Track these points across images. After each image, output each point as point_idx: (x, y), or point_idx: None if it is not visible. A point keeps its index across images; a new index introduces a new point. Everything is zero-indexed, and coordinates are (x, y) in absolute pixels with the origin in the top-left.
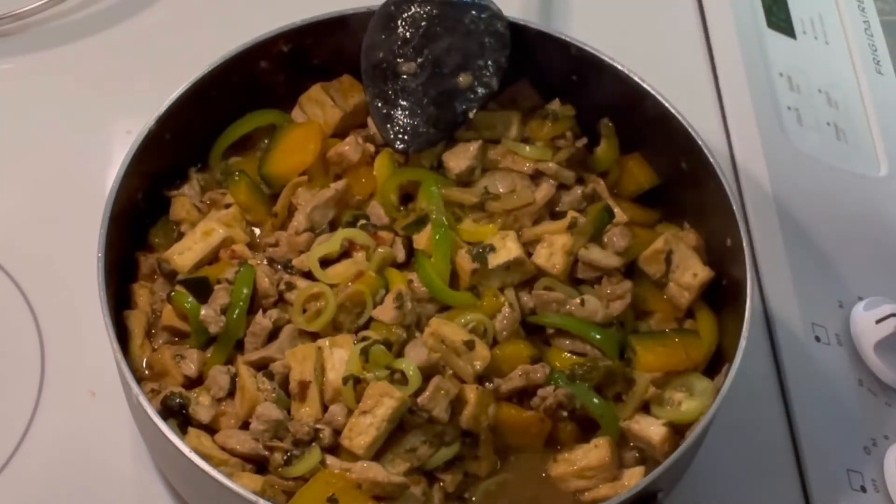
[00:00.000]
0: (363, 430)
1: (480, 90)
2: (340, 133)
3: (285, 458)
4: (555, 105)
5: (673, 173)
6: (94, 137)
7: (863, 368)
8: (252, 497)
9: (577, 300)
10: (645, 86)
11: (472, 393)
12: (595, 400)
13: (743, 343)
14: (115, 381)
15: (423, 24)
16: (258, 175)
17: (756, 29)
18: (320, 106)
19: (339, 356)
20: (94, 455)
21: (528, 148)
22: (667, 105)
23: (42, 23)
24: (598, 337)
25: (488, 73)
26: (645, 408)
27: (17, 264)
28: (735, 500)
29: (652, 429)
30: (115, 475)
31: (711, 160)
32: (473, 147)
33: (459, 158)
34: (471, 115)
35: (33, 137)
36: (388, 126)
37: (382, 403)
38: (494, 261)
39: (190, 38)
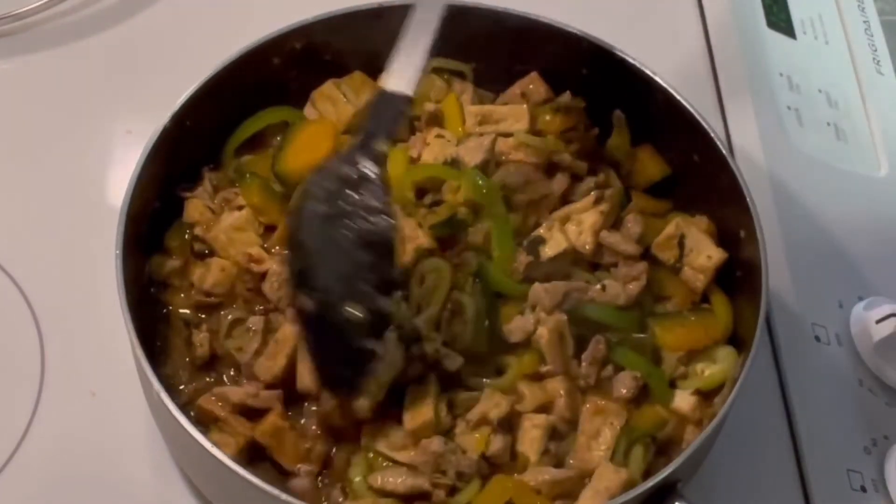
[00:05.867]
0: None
1: (371, 319)
2: (353, 130)
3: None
4: (565, 98)
5: (685, 164)
6: (95, 137)
7: (863, 368)
8: (285, 497)
9: (598, 286)
10: (657, 79)
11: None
12: (643, 362)
13: (762, 317)
14: (115, 381)
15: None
16: (271, 173)
17: (756, 29)
18: (332, 102)
19: None
20: (95, 455)
21: (540, 140)
22: (679, 98)
23: (42, 23)
24: (624, 321)
25: (375, 296)
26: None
27: (17, 264)
28: (734, 499)
29: (681, 400)
30: (115, 475)
31: (724, 151)
32: (487, 140)
33: (474, 152)
34: (379, 350)
35: (33, 137)
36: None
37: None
38: (546, 252)
39: (191, 39)
